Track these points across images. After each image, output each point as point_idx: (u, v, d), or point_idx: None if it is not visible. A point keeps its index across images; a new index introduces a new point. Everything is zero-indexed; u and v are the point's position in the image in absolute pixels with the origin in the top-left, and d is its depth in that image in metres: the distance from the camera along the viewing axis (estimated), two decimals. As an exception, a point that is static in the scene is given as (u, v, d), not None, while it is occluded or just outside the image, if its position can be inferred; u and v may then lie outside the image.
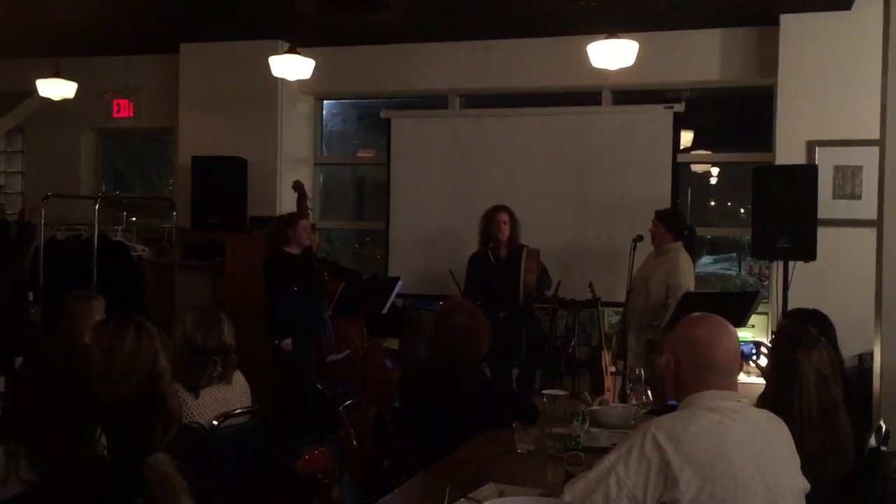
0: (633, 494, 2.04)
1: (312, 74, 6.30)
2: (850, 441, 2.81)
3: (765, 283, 6.62)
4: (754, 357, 4.33)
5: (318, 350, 5.95)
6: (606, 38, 5.35)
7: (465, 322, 3.64)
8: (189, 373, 3.50)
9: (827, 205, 5.75)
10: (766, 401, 2.82)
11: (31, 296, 5.93)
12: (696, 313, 2.33)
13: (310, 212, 6.28)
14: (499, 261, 5.83)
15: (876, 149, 4.12)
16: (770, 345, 3.14)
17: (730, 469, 2.05)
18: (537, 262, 5.80)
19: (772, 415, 2.32)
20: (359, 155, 8.05)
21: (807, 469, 2.28)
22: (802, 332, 2.94)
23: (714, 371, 2.20)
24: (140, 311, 6.15)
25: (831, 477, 2.68)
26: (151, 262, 7.05)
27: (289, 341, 5.71)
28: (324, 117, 7.90)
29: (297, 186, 6.25)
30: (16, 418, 2.44)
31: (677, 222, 5.54)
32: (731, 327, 2.28)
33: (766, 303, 6.20)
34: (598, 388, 5.60)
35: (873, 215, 4.20)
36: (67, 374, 2.46)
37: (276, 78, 6.47)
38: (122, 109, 7.95)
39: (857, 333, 4.40)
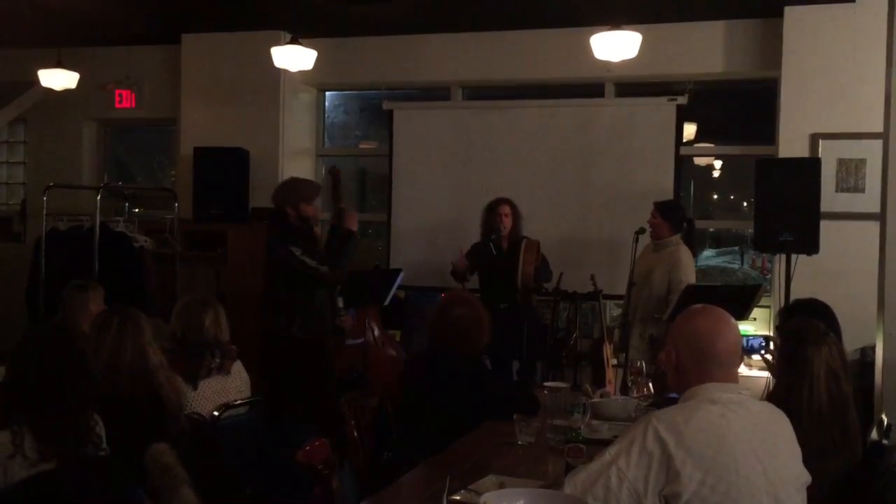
0: (633, 487, 2.04)
1: (314, 65, 6.29)
2: (858, 436, 2.81)
3: (767, 277, 6.61)
4: (763, 351, 4.32)
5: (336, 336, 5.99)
6: (609, 29, 5.33)
7: (465, 314, 3.65)
8: (187, 364, 3.51)
9: (830, 198, 5.73)
10: (775, 396, 2.81)
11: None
12: (697, 305, 2.33)
13: (343, 202, 6.23)
14: (500, 253, 5.82)
15: (880, 142, 4.11)
16: (778, 340, 3.12)
17: (731, 462, 2.04)
18: (536, 253, 5.79)
19: (773, 407, 2.31)
20: (361, 146, 8.04)
21: (816, 464, 2.27)
22: (811, 327, 2.93)
23: (715, 363, 2.20)
24: (142, 302, 6.20)
25: (840, 471, 2.68)
26: (153, 253, 7.06)
27: None
28: (326, 108, 7.88)
29: (334, 172, 6.16)
30: (15, 400, 2.46)
31: (676, 214, 5.53)
32: (732, 319, 2.28)
33: (769, 296, 6.20)
34: (599, 381, 5.59)
35: (876, 209, 4.19)
36: (57, 356, 2.47)
37: (278, 69, 6.45)
38: (124, 100, 7.93)
39: (859, 327, 4.40)
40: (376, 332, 6.10)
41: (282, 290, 5.11)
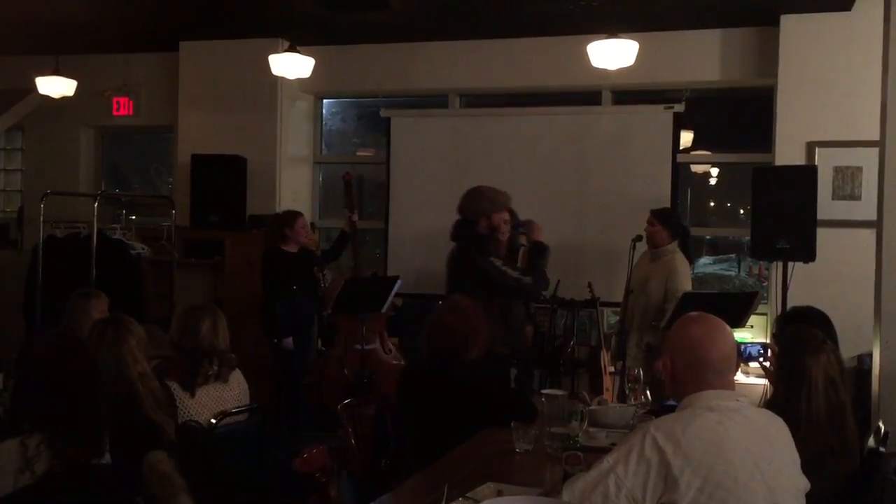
0: (632, 495, 2.04)
1: (312, 73, 6.30)
2: (856, 443, 2.82)
3: (764, 284, 6.61)
4: (761, 359, 4.32)
5: (343, 341, 5.98)
6: (606, 37, 5.35)
7: (459, 321, 3.64)
8: (184, 371, 3.50)
9: (826, 206, 5.75)
10: (773, 404, 2.81)
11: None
12: (692, 313, 2.33)
13: (356, 210, 6.25)
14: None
15: (876, 150, 4.12)
16: (776, 348, 3.13)
17: (730, 469, 2.05)
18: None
19: (771, 414, 2.32)
20: (358, 154, 8.04)
21: (814, 471, 2.28)
22: (809, 335, 2.94)
23: (709, 371, 2.21)
24: (138, 310, 6.19)
25: (838, 480, 2.68)
26: (150, 261, 7.06)
27: (290, 339, 5.73)
28: (323, 116, 7.89)
29: (346, 178, 6.22)
30: (29, 410, 2.44)
31: (673, 221, 5.53)
32: (726, 327, 2.29)
33: (766, 303, 6.20)
34: (596, 388, 5.59)
35: (873, 216, 4.20)
36: (61, 363, 2.45)
37: (275, 76, 6.46)
38: (122, 107, 7.94)
39: (856, 335, 4.41)
40: (385, 340, 6.16)
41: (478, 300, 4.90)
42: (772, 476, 2.10)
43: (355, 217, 6.25)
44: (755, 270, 6.91)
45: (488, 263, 4.84)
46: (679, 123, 6.56)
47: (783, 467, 2.17)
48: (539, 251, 5.05)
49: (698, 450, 2.05)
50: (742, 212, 7.05)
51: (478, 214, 5.00)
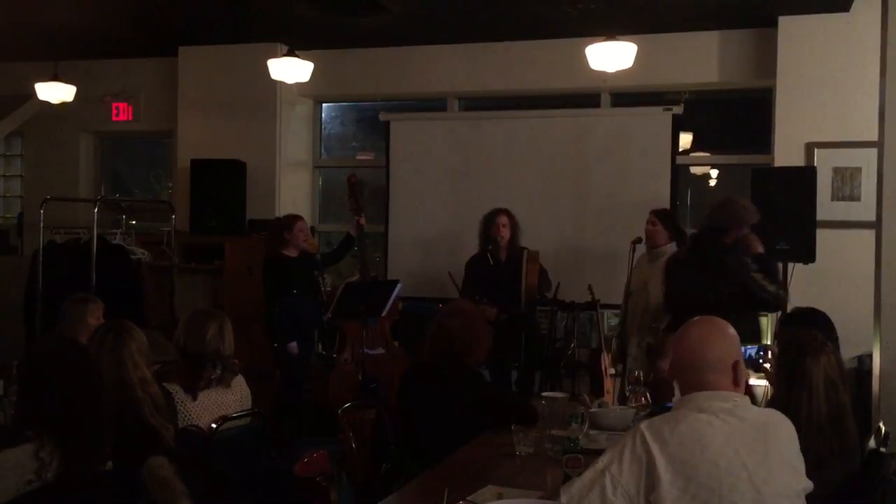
0: (627, 492, 2.08)
1: (311, 77, 6.30)
2: (857, 445, 2.82)
3: (764, 285, 6.60)
4: (760, 361, 4.31)
5: (352, 346, 5.99)
6: (605, 40, 5.35)
7: (460, 326, 3.64)
8: (187, 374, 3.51)
9: (826, 207, 5.75)
10: (773, 406, 2.81)
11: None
12: (696, 317, 2.37)
13: (362, 214, 6.25)
14: (498, 264, 5.82)
15: (874, 150, 4.13)
16: (777, 349, 3.13)
17: (714, 470, 2.07)
18: (538, 264, 5.79)
19: (774, 413, 2.33)
20: (358, 157, 8.04)
21: (814, 473, 2.28)
22: (809, 338, 2.94)
23: (708, 371, 2.23)
24: (139, 315, 6.19)
25: (838, 481, 2.68)
26: (150, 266, 7.06)
27: (294, 344, 5.73)
28: (322, 120, 7.90)
29: (352, 180, 6.25)
30: (26, 416, 2.43)
31: (673, 221, 5.55)
32: (728, 328, 2.32)
33: (766, 305, 6.19)
34: (597, 391, 5.58)
35: (872, 217, 4.20)
36: (65, 369, 2.45)
37: (274, 81, 6.47)
38: (121, 113, 7.96)
39: (855, 335, 4.41)
40: (392, 345, 6.17)
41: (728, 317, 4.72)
42: (761, 478, 2.11)
43: (362, 220, 6.25)
44: (755, 272, 6.90)
45: (750, 278, 4.65)
46: (678, 125, 6.56)
47: (776, 469, 2.16)
48: (770, 263, 4.84)
49: (683, 450, 2.08)
50: (742, 213, 7.03)
51: (735, 223, 4.77)
